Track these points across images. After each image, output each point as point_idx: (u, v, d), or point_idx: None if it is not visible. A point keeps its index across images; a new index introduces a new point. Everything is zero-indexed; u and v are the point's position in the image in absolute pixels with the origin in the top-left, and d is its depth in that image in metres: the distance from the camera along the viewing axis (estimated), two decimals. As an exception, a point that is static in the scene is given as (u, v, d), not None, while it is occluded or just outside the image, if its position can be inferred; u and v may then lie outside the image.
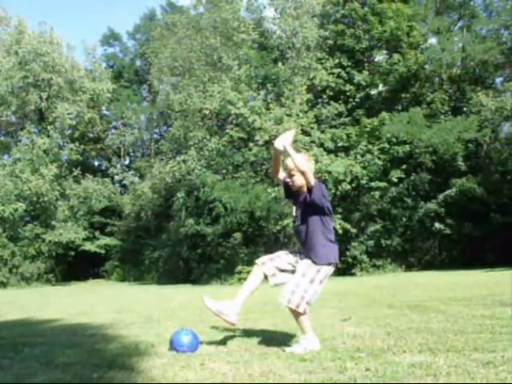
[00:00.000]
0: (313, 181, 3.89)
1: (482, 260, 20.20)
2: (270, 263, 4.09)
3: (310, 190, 3.93)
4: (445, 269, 19.64)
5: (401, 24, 22.65)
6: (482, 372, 2.80)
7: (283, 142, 3.93)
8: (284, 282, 4.07)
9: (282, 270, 4.10)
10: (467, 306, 6.25)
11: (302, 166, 3.84)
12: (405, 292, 9.53)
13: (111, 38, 42.34)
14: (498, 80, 26.23)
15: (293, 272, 4.07)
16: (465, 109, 23.50)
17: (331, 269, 4.06)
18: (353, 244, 21.39)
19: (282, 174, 4.30)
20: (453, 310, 5.88)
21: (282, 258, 4.15)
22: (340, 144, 21.72)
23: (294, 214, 4.24)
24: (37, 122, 30.24)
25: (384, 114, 21.87)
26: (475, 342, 3.69)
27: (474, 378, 2.70)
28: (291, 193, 4.25)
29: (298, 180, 4.06)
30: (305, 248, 4.08)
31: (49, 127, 28.68)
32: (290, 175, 4.11)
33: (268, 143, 20.60)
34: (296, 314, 3.91)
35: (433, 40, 25.63)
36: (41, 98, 29.02)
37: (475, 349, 3.47)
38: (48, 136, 28.58)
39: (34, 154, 27.56)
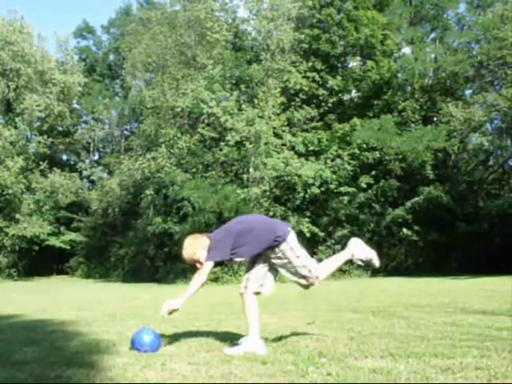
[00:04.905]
0: (204, 259, 4.06)
1: (447, 267, 20.57)
2: (250, 279, 4.01)
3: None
4: (410, 275, 19.90)
5: (375, 32, 22.93)
6: (441, 378, 2.83)
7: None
8: (272, 282, 4.07)
9: (264, 275, 4.03)
10: (429, 312, 6.33)
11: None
12: (369, 297, 9.62)
13: (85, 30, 41.73)
14: (468, 92, 26.82)
15: (270, 269, 4.04)
16: (435, 118, 23.95)
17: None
18: (320, 248, 21.53)
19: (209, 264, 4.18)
20: (415, 316, 5.94)
21: (253, 265, 4.07)
22: (311, 148, 21.87)
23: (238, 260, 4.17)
24: (4, 112, 29.57)
25: (355, 120, 22.11)
26: (435, 349, 3.73)
27: (432, 384, 2.73)
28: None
29: (202, 255, 4.12)
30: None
31: (16, 118, 28.06)
32: (195, 261, 4.17)
33: (239, 144, 20.57)
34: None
35: (406, 49, 26.06)
36: (8, 87, 28.39)
37: (435, 355, 3.50)
38: (15, 127, 27.97)
39: (-1, 146, 26.96)
